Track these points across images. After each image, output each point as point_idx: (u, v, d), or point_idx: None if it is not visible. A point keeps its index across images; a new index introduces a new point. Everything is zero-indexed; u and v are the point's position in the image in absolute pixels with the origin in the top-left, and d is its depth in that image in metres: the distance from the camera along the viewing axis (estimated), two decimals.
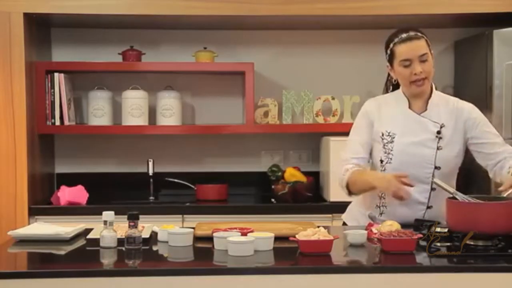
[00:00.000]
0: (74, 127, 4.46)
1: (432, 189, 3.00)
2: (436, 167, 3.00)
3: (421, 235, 2.64)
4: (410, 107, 3.07)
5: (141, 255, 2.62)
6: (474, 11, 4.19)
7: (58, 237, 2.86)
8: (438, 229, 2.64)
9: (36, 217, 4.11)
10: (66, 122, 4.37)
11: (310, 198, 4.37)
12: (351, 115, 4.53)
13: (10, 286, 2.36)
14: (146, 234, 2.82)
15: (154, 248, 2.77)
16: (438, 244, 2.57)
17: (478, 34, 4.34)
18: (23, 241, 2.86)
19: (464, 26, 4.67)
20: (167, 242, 2.75)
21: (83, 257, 2.70)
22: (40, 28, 4.45)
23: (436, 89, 3.11)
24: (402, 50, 2.98)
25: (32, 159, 4.23)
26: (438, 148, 3.00)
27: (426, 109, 3.05)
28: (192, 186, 4.52)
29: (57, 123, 4.35)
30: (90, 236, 2.85)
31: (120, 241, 2.68)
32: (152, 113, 4.51)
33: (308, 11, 4.21)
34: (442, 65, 4.76)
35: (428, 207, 3.03)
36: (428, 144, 3.00)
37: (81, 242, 2.85)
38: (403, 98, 3.07)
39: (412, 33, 2.99)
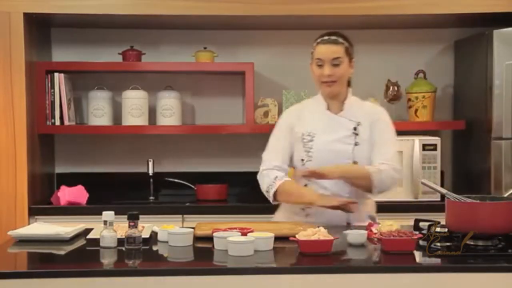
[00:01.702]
0: (74, 127, 4.46)
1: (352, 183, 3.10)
2: (354, 162, 3.11)
3: (421, 235, 2.64)
4: (328, 109, 3.21)
5: (141, 255, 2.62)
6: (474, 11, 4.19)
7: (58, 237, 2.86)
8: (438, 229, 2.65)
9: (36, 217, 4.11)
10: (66, 122, 4.37)
11: None
12: None
13: (10, 286, 2.36)
14: (146, 234, 2.82)
15: (154, 248, 2.78)
16: (438, 244, 2.58)
17: (478, 34, 4.34)
18: (23, 241, 2.87)
19: (464, 26, 4.66)
20: (167, 242, 2.76)
21: (83, 257, 2.70)
22: (40, 28, 4.45)
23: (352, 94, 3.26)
24: (319, 50, 3.15)
25: (32, 159, 4.23)
26: (355, 144, 3.13)
27: (342, 109, 3.19)
28: (192, 186, 4.52)
29: (57, 123, 4.34)
30: (90, 236, 2.86)
31: (120, 241, 2.68)
32: (152, 113, 4.51)
33: (308, 11, 4.20)
34: (442, 65, 4.76)
35: (351, 203, 3.09)
36: (345, 140, 3.14)
37: (81, 242, 2.85)
38: (322, 101, 3.22)
39: (333, 37, 3.15)
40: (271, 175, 3.17)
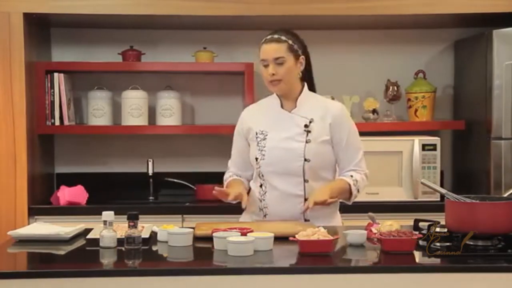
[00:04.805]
0: (74, 127, 4.46)
1: (305, 181, 3.11)
2: (305, 160, 3.10)
3: (421, 235, 2.64)
4: (282, 106, 3.20)
5: (141, 255, 2.62)
6: (474, 11, 4.19)
7: (58, 237, 2.86)
8: (437, 229, 2.64)
9: (36, 217, 4.11)
10: (66, 122, 4.37)
11: None
12: (351, 115, 4.51)
13: (10, 286, 2.36)
14: (146, 234, 2.82)
15: (154, 248, 2.78)
16: (438, 244, 2.58)
17: (478, 34, 4.34)
18: (23, 241, 2.87)
19: (464, 26, 4.66)
20: (167, 242, 2.75)
21: (83, 257, 2.70)
22: (40, 28, 4.45)
23: (314, 90, 3.27)
24: (262, 50, 3.14)
25: (32, 159, 4.23)
26: (307, 142, 3.11)
27: (295, 107, 3.18)
28: (192, 186, 4.52)
29: (57, 123, 4.35)
30: (90, 236, 2.85)
31: (120, 241, 2.68)
32: (152, 113, 4.51)
33: (308, 11, 4.20)
34: (442, 65, 4.76)
35: (306, 200, 3.11)
36: (296, 138, 3.13)
37: (81, 242, 2.85)
38: (276, 99, 3.22)
39: (276, 36, 3.12)
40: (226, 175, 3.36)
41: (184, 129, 4.52)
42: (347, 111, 3.29)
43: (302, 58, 3.16)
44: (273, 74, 3.09)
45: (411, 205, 4.20)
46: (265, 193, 3.16)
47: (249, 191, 3.25)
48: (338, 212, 3.29)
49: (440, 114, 4.71)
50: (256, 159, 3.15)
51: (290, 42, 3.11)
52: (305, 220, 3.12)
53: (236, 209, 4.19)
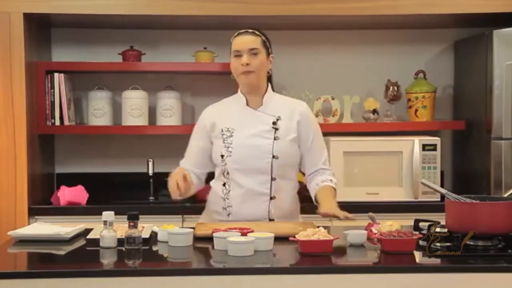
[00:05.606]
0: (74, 127, 4.46)
1: (273, 179, 3.12)
2: (274, 157, 3.11)
3: (421, 235, 2.65)
4: (247, 104, 3.20)
5: (141, 255, 2.62)
6: (474, 11, 4.19)
7: (58, 237, 2.86)
8: (438, 229, 2.65)
9: (36, 217, 4.11)
10: (66, 122, 4.37)
11: (310, 198, 4.35)
12: (351, 115, 4.53)
13: (10, 286, 2.36)
14: (146, 234, 2.82)
15: (154, 248, 2.78)
16: (438, 244, 2.58)
17: (478, 34, 4.34)
18: (23, 241, 2.87)
19: (464, 26, 4.66)
20: (167, 242, 2.76)
21: (83, 257, 2.71)
22: (40, 28, 4.45)
23: (274, 90, 3.26)
24: (235, 42, 3.16)
25: (32, 159, 4.23)
26: (275, 139, 3.13)
27: (262, 104, 3.18)
28: None
29: (57, 123, 4.34)
30: (90, 236, 2.86)
31: (120, 241, 2.68)
32: (152, 113, 4.51)
33: (308, 11, 4.20)
34: (442, 65, 4.76)
35: (272, 198, 3.12)
36: (264, 135, 3.14)
37: (81, 242, 2.85)
38: (241, 96, 3.22)
39: (250, 30, 3.17)
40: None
41: (184, 129, 4.51)
42: (311, 110, 3.33)
43: (271, 57, 3.20)
44: (247, 64, 3.09)
45: (411, 205, 4.20)
46: (228, 192, 3.16)
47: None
48: (298, 212, 3.32)
49: (440, 114, 4.71)
50: (222, 156, 3.14)
51: (263, 38, 3.17)
52: (270, 220, 3.13)
53: None
